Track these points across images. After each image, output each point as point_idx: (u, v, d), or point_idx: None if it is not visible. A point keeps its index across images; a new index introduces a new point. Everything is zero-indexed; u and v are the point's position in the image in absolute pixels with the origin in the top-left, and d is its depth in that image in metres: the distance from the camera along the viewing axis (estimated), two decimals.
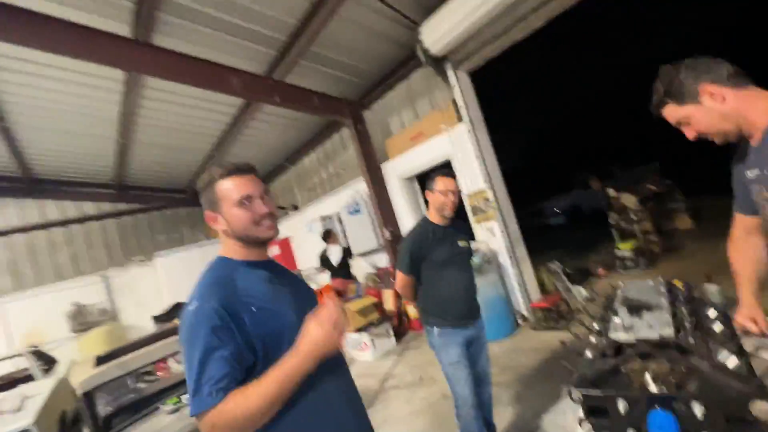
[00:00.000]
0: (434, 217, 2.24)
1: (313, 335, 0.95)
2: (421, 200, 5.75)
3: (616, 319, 1.21)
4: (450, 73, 4.52)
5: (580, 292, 4.64)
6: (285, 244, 8.24)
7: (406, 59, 5.07)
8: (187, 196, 9.03)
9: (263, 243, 1.14)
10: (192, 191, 8.86)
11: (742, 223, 1.28)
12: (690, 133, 1.17)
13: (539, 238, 8.12)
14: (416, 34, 4.28)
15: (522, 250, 4.64)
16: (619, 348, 1.16)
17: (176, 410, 2.77)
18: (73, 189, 7.83)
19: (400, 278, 2.24)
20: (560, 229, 11.72)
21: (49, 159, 6.82)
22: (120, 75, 4.76)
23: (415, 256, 2.17)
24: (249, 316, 0.96)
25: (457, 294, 2.18)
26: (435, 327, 2.18)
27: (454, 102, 4.65)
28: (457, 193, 2.19)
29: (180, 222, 9.15)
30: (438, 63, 4.49)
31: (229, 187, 1.07)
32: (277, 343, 0.98)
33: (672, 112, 1.16)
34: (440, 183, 2.17)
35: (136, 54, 3.93)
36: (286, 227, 8.15)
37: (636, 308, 1.27)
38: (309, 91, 5.36)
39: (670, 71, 1.17)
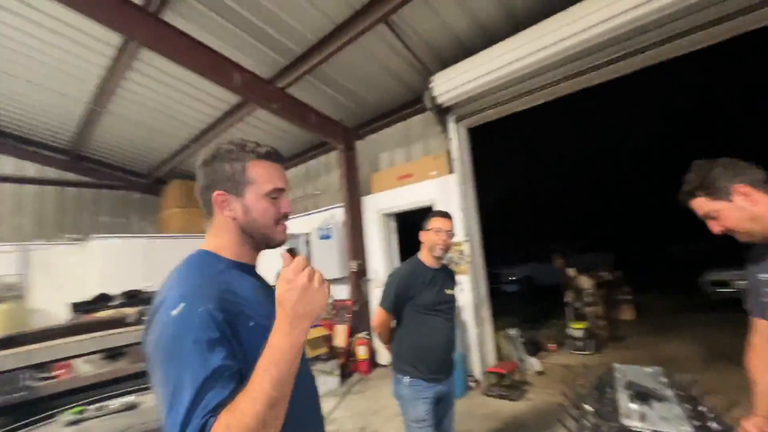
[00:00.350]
0: (426, 258, 2.15)
1: (288, 298, 0.71)
2: (395, 240, 5.68)
3: (631, 405, 1.14)
4: (451, 125, 4.66)
5: (534, 364, 4.62)
6: None
7: (411, 102, 5.20)
8: (148, 182, 8.38)
9: (270, 247, 0.97)
10: (155, 178, 8.25)
11: (760, 329, 1.28)
12: (716, 228, 1.19)
13: (492, 302, 8.22)
14: (428, 81, 4.42)
15: (486, 311, 4.62)
16: None
17: (76, 422, 2.30)
18: (18, 144, 7.01)
19: (380, 315, 2.09)
20: (513, 296, 12.00)
21: (2, 106, 6.13)
22: (115, 40, 4.48)
23: (401, 294, 2.04)
24: (245, 331, 0.76)
25: (436, 344, 2.05)
26: (407, 377, 2.01)
27: (449, 153, 4.75)
28: (451, 234, 2.13)
29: (131, 207, 8.40)
30: (442, 113, 4.63)
31: (264, 173, 0.92)
32: None
33: (702, 205, 1.20)
34: (436, 222, 2.12)
35: (143, 24, 3.71)
36: None
37: (644, 396, 1.21)
38: (308, 106, 5.30)
39: (704, 166, 1.21)
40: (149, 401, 2.54)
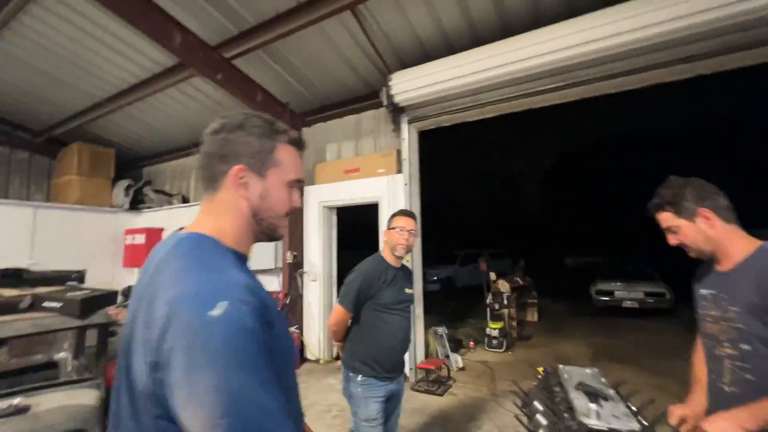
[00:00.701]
0: (388, 257, 2.15)
1: None
2: (334, 233, 5.58)
3: (591, 405, 1.26)
4: (404, 125, 4.72)
5: (458, 360, 4.92)
6: (155, 237, 6.91)
7: (365, 96, 5.14)
8: (41, 141, 7.02)
9: (271, 239, 0.89)
10: (50, 137, 6.94)
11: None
12: (673, 240, 1.34)
13: None
14: (387, 78, 4.41)
15: (420, 309, 4.78)
16: None
17: None
18: None
19: (339, 313, 2.02)
20: (434, 295, 12.64)
21: None
22: None
23: (363, 292, 2.01)
24: (272, 339, 0.66)
25: (393, 343, 2.06)
26: (360, 375, 1.99)
27: (399, 152, 4.81)
28: (414, 234, 2.15)
29: (13, 168, 6.96)
30: (396, 112, 4.66)
31: (292, 160, 0.84)
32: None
33: (667, 219, 1.33)
34: (399, 220, 2.12)
35: None
36: (166, 218, 6.91)
37: (594, 396, 1.35)
38: (255, 83, 4.94)
39: (677, 184, 1.33)
40: (43, 403, 2.14)
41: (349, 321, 2.09)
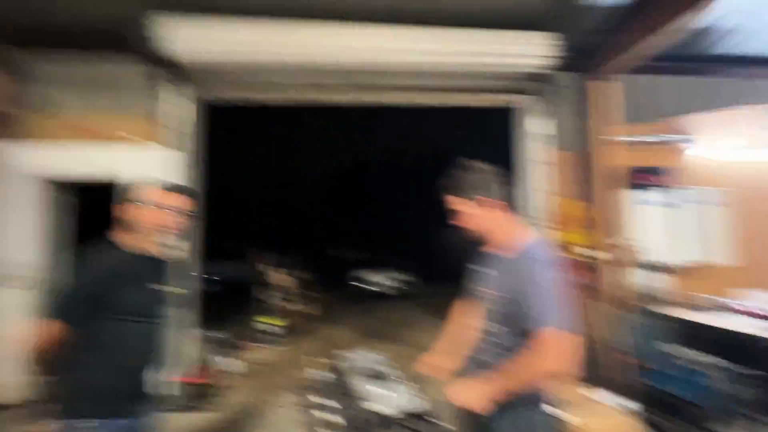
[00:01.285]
0: (129, 241, 1.49)
1: None
2: (64, 221, 3.92)
3: (373, 389, 1.23)
4: (182, 90, 3.81)
5: (234, 366, 4.39)
6: None
7: (117, 35, 3.70)
8: None
9: None
10: None
11: (467, 304, 1.61)
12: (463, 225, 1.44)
13: None
14: (155, 21, 3.37)
15: (186, 312, 3.92)
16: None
17: None
18: None
19: (51, 330, 1.31)
20: (204, 294, 11.24)
21: None
22: None
23: (88, 297, 1.36)
24: None
25: (139, 362, 1.49)
26: (89, 419, 1.34)
27: (168, 121, 3.83)
28: (186, 214, 1.60)
29: None
30: (169, 69, 3.69)
31: None
32: None
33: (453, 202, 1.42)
34: (161, 194, 1.50)
35: None
36: None
37: (374, 379, 1.34)
38: None
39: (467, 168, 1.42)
40: None
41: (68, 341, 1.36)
